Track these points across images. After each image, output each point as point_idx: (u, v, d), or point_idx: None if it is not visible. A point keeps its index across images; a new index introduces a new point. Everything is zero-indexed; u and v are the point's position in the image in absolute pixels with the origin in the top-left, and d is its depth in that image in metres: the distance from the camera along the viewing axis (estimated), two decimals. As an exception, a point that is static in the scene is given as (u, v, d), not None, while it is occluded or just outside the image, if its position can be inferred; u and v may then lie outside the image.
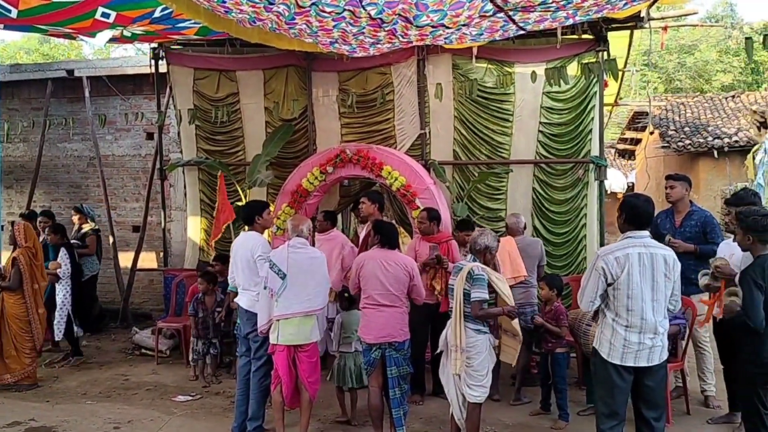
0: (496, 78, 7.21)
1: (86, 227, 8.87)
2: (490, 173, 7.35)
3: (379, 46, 5.62)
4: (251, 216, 5.43)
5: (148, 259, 9.94)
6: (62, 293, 7.34)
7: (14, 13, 5.87)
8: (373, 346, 4.90)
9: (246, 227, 5.57)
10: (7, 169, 10.48)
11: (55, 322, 7.28)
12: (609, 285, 3.90)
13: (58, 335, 7.43)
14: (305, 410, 4.96)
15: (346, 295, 5.62)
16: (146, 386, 6.69)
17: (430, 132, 7.55)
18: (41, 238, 7.54)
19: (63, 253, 7.38)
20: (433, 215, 6.08)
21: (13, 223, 8.00)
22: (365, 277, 4.95)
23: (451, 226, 6.73)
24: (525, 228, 6.42)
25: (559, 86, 6.97)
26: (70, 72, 10.15)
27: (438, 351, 4.84)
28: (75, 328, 7.42)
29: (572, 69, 7.02)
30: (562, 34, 6.77)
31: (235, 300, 5.41)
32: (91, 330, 8.63)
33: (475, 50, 7.01)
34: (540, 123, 7.34)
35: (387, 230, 5.12)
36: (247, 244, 5.31)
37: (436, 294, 5.82)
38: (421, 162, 7.34)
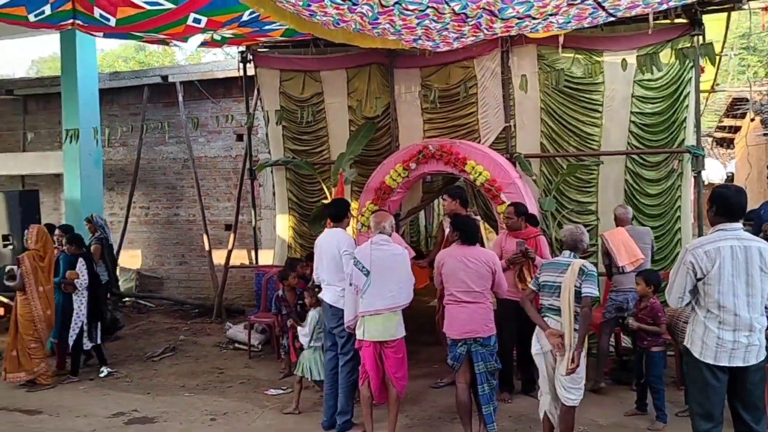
0: (584, 67, 6.98)
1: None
2: (579, 166, 7.13)
3: (463, 39, 5.55)
4: (340, 213, 5.50)
5: (240, 257, 10.28)
6: (77, 304, 7.10)
7: (113, 22, 6.22)
8: (458, 341, 4.85)
9: (331, 224, 5.64)
10: (109, 171, 11.10)
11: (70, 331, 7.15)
12: (699, 280, 3.70)
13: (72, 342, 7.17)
14: (393, 406, 4.97)
15: (315, 289, 5.78)
16: (240, 379, 6.91)
17: (515, 125, 7.41)
18: (57, 252, 7.39)
19: (80, 263, 7.12)
20: (520, 210, 5.96)
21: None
22: (446, 274, 4.92)
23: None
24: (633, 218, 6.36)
25: (652, 74, 6.69)
26: (165, 78, 10.64)
27: (535, 352, 4.64)
28: (84, 341, 7.13)
29: (665, 55, 6.69)
30: (654, 18, 6.45)
31: (320, 295, 5.49)
32: (105, 336, 8.11)
33: (561, 39, 6.80)
34: (631, 113, 7.06)
35: (466, 225, 5.05)
36: (332, 240, 5.38)
37: (522, 290, 5.70)
38: (506, 156, 7.21)
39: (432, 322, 6.91)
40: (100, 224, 8.70)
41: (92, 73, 10.10)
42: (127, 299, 10.71)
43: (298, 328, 5.92)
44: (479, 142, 7.36)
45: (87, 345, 7.13)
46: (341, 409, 5.23)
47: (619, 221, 6.22)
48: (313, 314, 5.79)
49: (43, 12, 6.03)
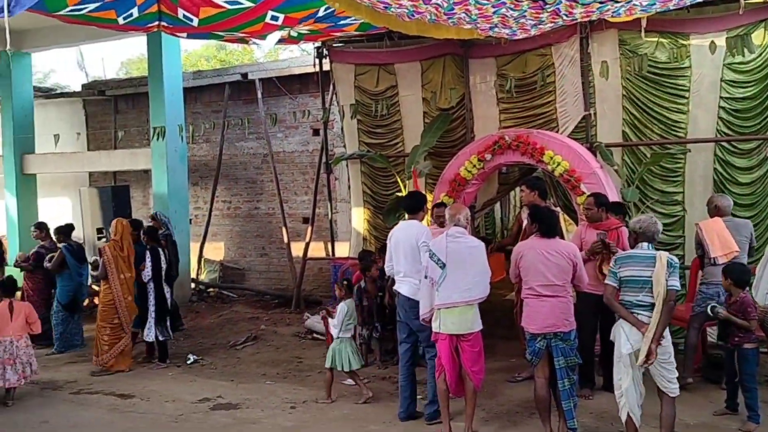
0: (668, 52, 6.69)
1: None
2: (664, 154, 6.84)
3: (541, 26, 5.43)
4: (417, 205, 5.50)
5: (317, 249, 10.48)
6: (149, 296, 7.38)
7: (195, 22, 6.47)
8: (537, 336, 4.77)
9: (407, 216, 5.63)
10: (193, 167, 11.54)
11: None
12: None
13: (148, 336, 7.40)
14: (470, 400, 4.94)
15: (345, 282, 5.94)
16: (318, 369, 7.04)
17: (595, 113, 7.18)
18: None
19: (147, 255, 7.33)
20: (600, 201, 5.79)
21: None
22: (525, 267, 4.82)
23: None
24: None
25: (743, 56, 6.32)
26: (244, 75, 10.96)
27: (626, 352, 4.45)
28: (146, 331, 7.33)
29: (758, 37, 6.34)
30: (746, -3, 6.10)
31: (395, 287, 5.48)
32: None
33: (644, 23, 6.52)
34: (721, 98, 6.70)
35: (545, 217, 4.92)
36: (410, 231, 5.36)
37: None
38: (585, 145, 7.01)
39: (509, 316, 6.83)
40: (164, 221, 8.93)
41: (177, 72, 10.53)
42: (211, 290, 11.13)
43: (329, 319, 6.01)
44: (557, 132, 7.18)
45: (149, 337, 7.35)
46: (431, 398, 5.24)
47: (720, 211, 5.86)
48: (342, 306, 5.95)
49: (131, 15, 6.34)
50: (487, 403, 5.68)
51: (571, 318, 4.77)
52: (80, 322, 8.26)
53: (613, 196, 6.34)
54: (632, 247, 4.63)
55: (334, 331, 6.00)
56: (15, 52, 11.06)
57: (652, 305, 4.31)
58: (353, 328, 6.04)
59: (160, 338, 7.37)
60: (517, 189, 9.15)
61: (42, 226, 8.58)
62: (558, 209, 7.06)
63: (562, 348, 4.72)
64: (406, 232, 5.40)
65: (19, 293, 8.12)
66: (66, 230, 8.30)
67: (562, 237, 6.04)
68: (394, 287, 5.53)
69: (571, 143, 6.78)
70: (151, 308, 7.35)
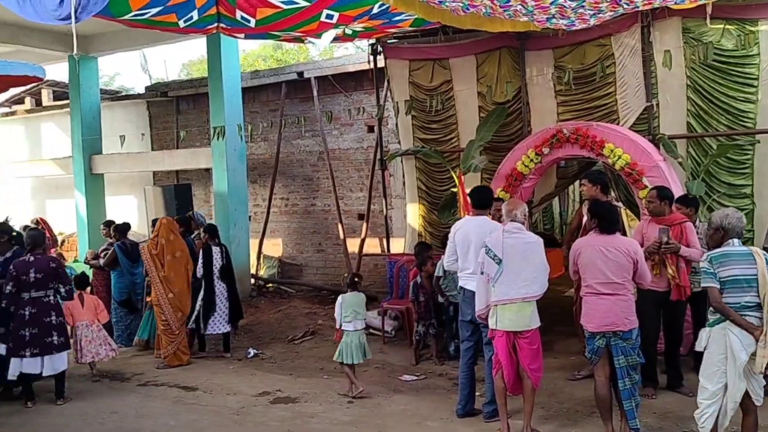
0: (736, 39, 6.41)
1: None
2: (731, 145, 6.56)
3: (600, 16, 5.29)
4: (486, 201, 5.45)
5: (372, 245, 10.53)
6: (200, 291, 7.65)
7: (253, 23, 6.59)
8: (596, 334, 4.66)
9: (473, 211, 5.53)
10: (252, 165, 11.77)
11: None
12: None
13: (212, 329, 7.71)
14: (528, 398, 4.87)
15: (351, 279, 6.17)
16: (375, 364, 7.09)
17: (657, 104, 6.95)
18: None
19: (200, 253, 7.67)
20: (663, 194, 5.60)
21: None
22: (583, 265, 4.72)
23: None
24: None
25: (817, 41, 5.99)
26: (300, 74, 11.09)
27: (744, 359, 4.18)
28: (200, 324, 7.62)
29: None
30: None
31: (462, 284, 5.39)
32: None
33: (709, 9, 6.27)
34: (792, 86, 6.38)
35: (605, 213, 4.80)
36: (483, 228, 5.20)
37: (673, 280, 5.37)
38: (648, 137, 6.80)
39: (568, 312, 6.70)
40: (201, 221, 8.95)
41: (235, 73, 10.74)
42: (269, 285, 11.34)
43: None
44: (618, 124, 6.99)
45: (217, 329, 7.65)
46: (489, 398, 5.20)
47: None
48: (338, 299, 6.12)
49: (191, 18, 6.50)
50: (547, 402, 5.60)
51: (632, 317, 4.64)
52: (132, 319, 8.43)
53: (677, 190, 6.14)
54: (712, 245, 4.44)
55: (343, 326, 6.14)
56: (82, 56, 11.52)
57: (758, 306, 4.09)
58: (363, 321, 6.13)
59: (202, 331, 7.68)
60: (576, 183, 8.98)
61: (110, 224, 8.90)
62: (620, 204, 6.89)
63: (623, 347, 4.60)
64: (479, 229, 5.23)
65: (88, 288, 8.47)
66: (122, 228, 8.56)
67: (624, 233, 5.90)
68: (460, 284, 5.43)
69: (633, 135, 6.59)
70: (199, 302, 7.61)
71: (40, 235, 6.56)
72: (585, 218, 6.18)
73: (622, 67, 7.07)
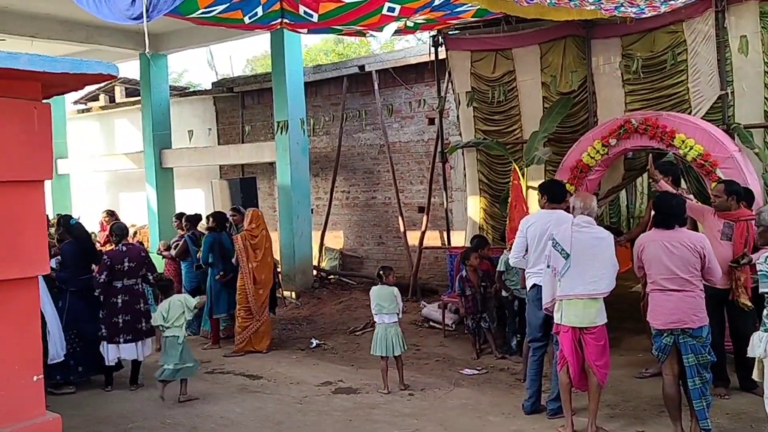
0: (819, 21, 6.05)
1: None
2: (814, 135, 6.22)
3: (671, 3, 5.09)
4: (561, 194, 5.35)
5: (433, 238, 10.51)
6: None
7: (315, 17, 6.65)
8: (663, 332, 4.50)
9: (546, 205, 5.41)
10: (314, 159, 11.93)
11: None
12: None
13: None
14: (594, 395, 4.76)
15: (379, 271, 6.17)
16: (435, 357, 7.09)
17: (733, 92, 6.65)
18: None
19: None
20: (732, 189, 5.36)
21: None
22: (647, 260, 4.57)
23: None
24: None
25: None
26: (362, 67, 11.14)
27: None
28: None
29: None
30: None
31: (535, 282, 5.24)
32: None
33: (791, -9, 5.96)
34: None
35: (670, 206, 4.62)
36: (563, 223, 5.03)
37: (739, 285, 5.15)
38: (722, 127, 6.51)
39: (636, 308, 6.50)
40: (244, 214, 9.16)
41: (298, 68, 10.89)
42: (331, 277, 11.48)
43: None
44: (690, 114, 6.72)
45: None
46: (554, 394, 5.12)
47: None
48: (371, 292, 6.14)
49: (256, 14, 6.62)
50: (613, 399, 5.46)
51: (702, 313, 4.46)
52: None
53: (754, 182, 5.87)
54: (762, 244, 4.23)
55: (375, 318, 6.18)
56: (153, 54, 11.92)
57: None
58: (393, 315, 6.09)
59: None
60: (645, 175, 8.69)
61: (181, 216, 9.19)
62: (691, 196, 6.63)
63: (692, 345, 4.44)
64: (559, 226, 5.01)
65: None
66: (193, 219, 8.85)
67: (695, 227, 5.68)
68: (533, 281, 5.27)
69: (705, 125, 6.33)
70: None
71: (125, 226, 6.99)
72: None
73: (695, 54, 6.79)
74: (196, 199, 13.28)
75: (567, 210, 5.28)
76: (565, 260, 4.70)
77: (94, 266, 6.63)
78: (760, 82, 6.53)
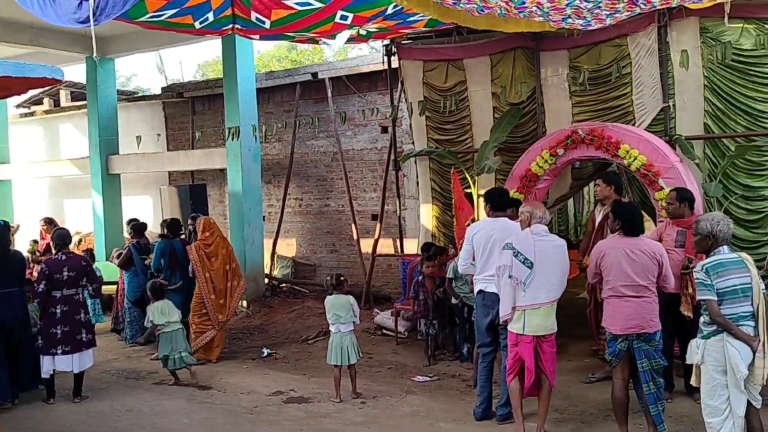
0: (755, 38, 6.34)
1: None
2: (749, 147, 6.49)
3: (617, 15, 5.25)
4: (506, 202, 5.41)
5: (386, 245, 10.52)
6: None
7: (268, 24, 6.61)
8: (618, 337, 4.61)
9: (491, 213, 5.49)
10: (266, 166, 11.81)
11: None
12: None
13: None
14: (545, 400, 4.85)
15: (335, 280, 6.14)
16: (388, 365, 7.10)
17: (674, 105, 6.89)
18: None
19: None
20: (684, 196, 5.55)
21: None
22: (608, 267, 4.65)
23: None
24: None
25: (838, 40, 5.91)
26: (315, 75, 11.11)
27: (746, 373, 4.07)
28: None
29: None
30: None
31: (485, 288, 5.30)
32: None
33: (727, 8, 6.19)
34: (813, 86, 6.30)
35: (630, 214, 4.74)
36: (507, 231, 5.15)
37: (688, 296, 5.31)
38: (664, 138, 6.74)
39: (582, 314, 6.65)
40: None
41: (250, 74, 10.78)
42: (283, 285, 11.37)
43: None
44: (634, 125, 6.94)
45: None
46: (504, 400, 5.19)
47: None
48: (325, 302, 6.17)
49: (207, 19, 6.54)
50: (561, 404, 5.57)
51: (657, 318, 4.60)
52: None
53: (694, 191, 6.07)
54: (698, 251, 4.38)
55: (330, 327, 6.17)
56: (100, 58, 11.63)
57: (752, 315, 4.01)
58: (349, 324, 6.09)
59: None
60: (591, 184, 8.92)
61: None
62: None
63: (646, 350, 4.56)
64: (504, 232, 5.15)
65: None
66: (137, 228, 8.64)
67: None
68: (480, 287, 5.35)
69: (649, 136, 6.54)
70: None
71: (68, 233, 6.72)
72: (598, 220, 6.15)
73: (639, 67, 7.02)
74: (144, 206, 12.99)
75: (512, 218, 5.39)
76: (529, 270, 4.72)
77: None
78: (700, 96, 6.78)
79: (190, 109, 12.87)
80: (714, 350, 4.04)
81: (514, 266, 4.78)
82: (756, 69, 6.49)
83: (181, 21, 6.52)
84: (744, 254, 4.15)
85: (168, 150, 12.88)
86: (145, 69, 44.63)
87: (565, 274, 4.88)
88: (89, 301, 6.71)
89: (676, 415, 5.22)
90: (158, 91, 13.93)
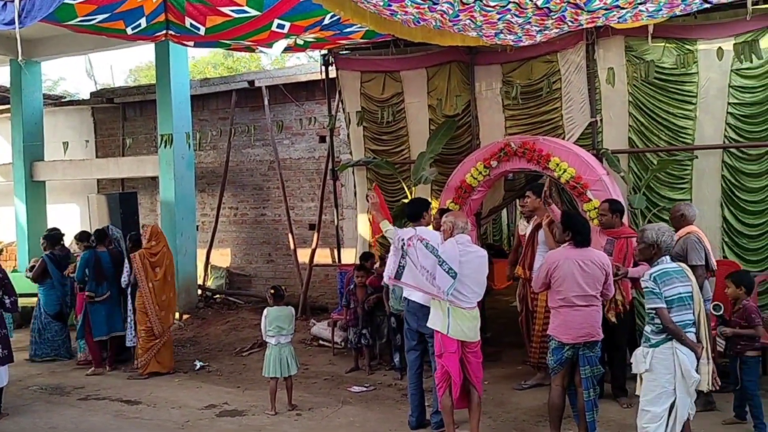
0: (675, 57, 6.66)
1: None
2: (671, 161, 6.81)
3: (546, 32, 5.43)
4: (418, 212, 5.49)
5: (323, 255, 10.48)
6: (127, 302, 7.58)
7: (202, 31, 6.52)
8: (565, 345, 4.71)
9: (410, 223, 5.57)
10: (200, 174, 11.58)
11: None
12: None
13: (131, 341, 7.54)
14: (476, 410, 4.91)
15: (272, 291, 6.08)
16: (324, 376, 7.05)
17: (601, 120, 7.17)
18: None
19: (126, 262, 7.56)
20: (615, 207, 5.78)
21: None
22: (560, 278, 4.73)
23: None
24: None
25: (751, 62, 6.25)
26: (251, 83, 11.00)
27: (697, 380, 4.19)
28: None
29: (766, 42, 6.30)
30: (754, 3, 6.06)
31: (406, 295, 5.39)
32: None
33: (650, 29, 6.51)
34: (729, 104, 6.66)
35: (581, 226, 4.86)
36: (430, 236, 5.17)
37: (619, 304, 5.50)
38: (592, 152, 6.99)
39: (515, 323, 6.80)
40: (115, 236, 8.51)
41: (184, 80, 10.57)
42: (217, 296, 11.15)
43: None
44: (564, 139, 7.17)
45: (131, 342, 7.53)
46: (437, 407, 5.21)
47: (686, 220, 5.72)
48: (264, 312, 6.09)
49: (139, 25, 6.39)
50: (494, 411, 5.67)
51: (600, 326, 4.75)
52: (68, 332, 8.20)
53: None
54: (641, 260, 4.54)
55: (266, 339, 6.10)
56: (25, 61, 11.15)
57: (694, 323, 4.14)
58: (288, 336, 6.05)
59: (130, 343, 7.52)
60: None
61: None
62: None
63: (590, 357, 4.70)
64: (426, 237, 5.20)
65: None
66: (51, 238, 8.29)
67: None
68: (405, 294, 5.41)
69: (578, 150, 6.76)
70: (130, 314, 7.47)
71: None
72: (528, 232, 6.29)
73: (568, 83, 7.26)
74: (71, 214, 12.50)
75: (428, 225, 5.48)
76: (453, 279, 4.77)
77: None
78: (625, 111, 7.07)
79: (121, 115, 12.51)
80: (664, 358, 4.08)
81: (438, 275, 4.81)
82: (676, 86, 6.82)
83: (113, 26, 6.35)
84: (683, 264, 4.31)
85: (97, 157, 12.46)
86: (74, 73, 43.04)
87: (485, 284, 5.00)
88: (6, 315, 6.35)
89: (603, 420, 5.38)
90: (87, 96, 13.51)
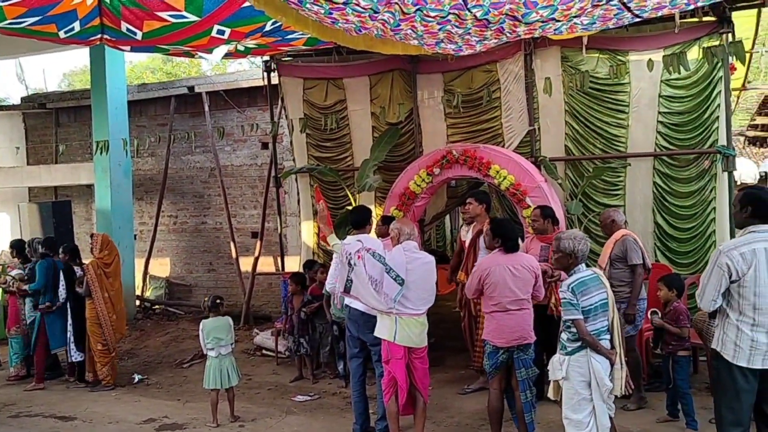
0: (609, 68, 6.88)
1: None
2: (605, 168, 7.04)
3: (486, 42, 5.54)
4: (361, 220, 5.49)
5: (267, 264, 10.36)
6: (67, 315, 7.37)
7: (139, 35, 6.35)
8: (500, 349, 4.78)
9: (354, 231, 5.59)
10: (138, 181, 11.29)
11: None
12: (733, 282, 3.68)
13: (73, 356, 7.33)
14: (421, 415, 4.94)
15: (207, 302, 6.03)
16: (267, 386, 6.96)
17: (539, 128, 7.35)
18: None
19: (61, 275, 7.36)
20: (547, 213, 5.91)
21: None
22: (492, 284, 4.78)
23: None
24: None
25: (679, 73, 6.53)
26: (191, 88, 10.79)
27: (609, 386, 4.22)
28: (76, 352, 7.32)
29: (693, 54, 6.59)
30: (681, 17, 6.36)
31: (348, 302, 5.37)
32: None
33: (585, 40, 6.75)
34: (659, 113, 6.95)
35: (509, 231, 4.93)
36: (374, 243, 5.18)
37: (551, 305, 5.62)
38: (530, 159, 7.16)
39: (458, 328, 6.87)
40: (36, 249, 8.02)
41: (121, 85, 10.29)
42: (156, 307, 10.87)
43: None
44: (503, 146, 7.32)
45: (75, 357, 7.32)
46: (381, 414, 5.21)
47: (616, 225, 5.88)
48: (200, 325, 5.99)
49: (72, 29, 6.18)
50: (438, 416, 5.71)
51: (532, 329, 4.84)
52: None
53: (558, 209, 6.48)
54: (558, 269, 4.66)
55: (206, 352, 6.00)
56: (-52, 62, 10.65)
57: (608, 329, 4.19)
58: (228, 347, 5.97)
59: (79, 358, 7.29)
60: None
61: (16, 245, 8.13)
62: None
63: (524, 360, 4.77)
64: (375, 247, 5.13)
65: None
66: None
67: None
68: (346, 302, 5.40)
69: (517, 157, 6.91)
70: (70, 327, 7.25)
71: None
72: (468, 239, 6.38)
73: (507, 92, 7.42)
74: (1, 224, 11.96)
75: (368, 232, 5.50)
76: (400, 287, 4.78)
77: None
78: (562, 120, 7.29)
79: (54, 121, 12.08)
80: (579, 366, 4.10)
81: (385, 283, 4.81)
82: (610, 96, 7.07)
83: (44, 29, 6.12)
84: (598, 270, 4.40)
85: (28, 164, 11.99)
86: (3, 77, 41.25)
87: (434, 290, 5.02)
88: None
89: (545, 422, 5.50)
90: (18, 101, 12.97)
